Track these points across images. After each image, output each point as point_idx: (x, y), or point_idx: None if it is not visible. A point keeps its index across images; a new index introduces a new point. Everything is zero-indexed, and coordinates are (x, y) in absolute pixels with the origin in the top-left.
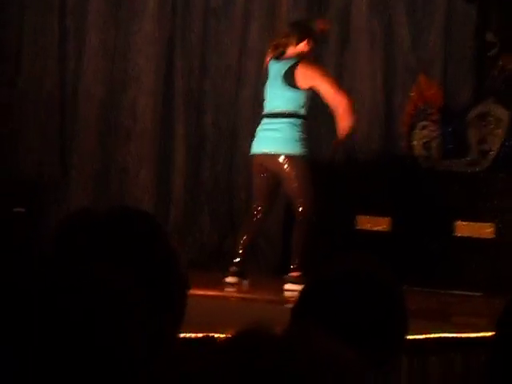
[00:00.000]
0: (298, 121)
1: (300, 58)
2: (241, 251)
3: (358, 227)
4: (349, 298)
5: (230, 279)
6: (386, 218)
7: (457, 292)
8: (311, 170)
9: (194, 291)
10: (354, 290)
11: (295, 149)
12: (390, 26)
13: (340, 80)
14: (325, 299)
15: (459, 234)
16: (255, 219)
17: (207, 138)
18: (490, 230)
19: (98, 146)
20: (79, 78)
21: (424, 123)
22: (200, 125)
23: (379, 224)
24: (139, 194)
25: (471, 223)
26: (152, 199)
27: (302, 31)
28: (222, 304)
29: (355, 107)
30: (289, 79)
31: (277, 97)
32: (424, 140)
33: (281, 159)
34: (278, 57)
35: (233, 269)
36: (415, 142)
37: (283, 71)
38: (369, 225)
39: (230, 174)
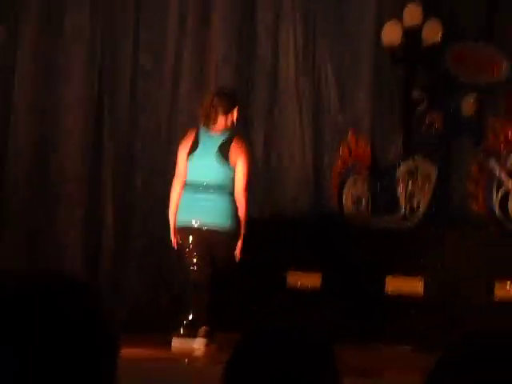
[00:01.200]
0: (231, 194)
1: (233, 133)
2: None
3: (289, 284)
4: (279, 359)
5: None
6: (317, 274)
7: (388, 347)
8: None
9: (125, 353)
10: (284, 351)
11: (232, 222)
12: (317, 85)
13: (269, 139)
14: (255, 360)
15: (389, 290)
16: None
17: (137, 199)
18: (419, 285)
19: (28, 207)
20: (7, 140)
21: (353, 179)
22: (130, 186)
23: (309, 281)
24: (69, 255)
25: (401, 279)
26: (82, 263)
27: (230, 100)
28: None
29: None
30: (224, 154)
31: (209, 169)
32: (354, 196)
33: (221, 233)
34: (208, 126)
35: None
36: (345, 199)
37: (217, 145)
38: (299, 281)
39: (161, 234)
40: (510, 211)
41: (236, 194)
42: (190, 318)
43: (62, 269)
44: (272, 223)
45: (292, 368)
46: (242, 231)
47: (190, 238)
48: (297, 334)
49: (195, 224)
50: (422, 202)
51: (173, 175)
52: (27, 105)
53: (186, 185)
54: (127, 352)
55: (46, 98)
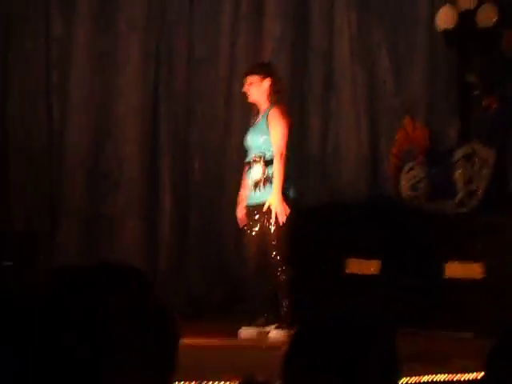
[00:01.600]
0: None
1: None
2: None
3: (348, 271)
4: (338, 345)
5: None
6: (376, 261)
7: (449, 333)
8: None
9: (186, 341)
10: (344, 337)
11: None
12: (373, 70)
13: (325, 125)
14: (315, 345)
15: (449, 276)
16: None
17: (194, 186)
18: (479, 271)
19: (85, 196)
20: (65, 129)
21: (411, 165)
22: (187, 173)
23: (369, 267)
24: (127, 244)
25: (460, 264)
26: (140, 249)
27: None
28: (215, 353)
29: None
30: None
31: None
32: (411, 181)
33: None
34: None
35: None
36: (402, 184)
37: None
38: (359, 268)
39: (218, 222)
40: None
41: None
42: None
43: (119, 259)
44: (329, 209)
45: (351, 355)
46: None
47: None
48: (355, 321)
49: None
50: (480, 186)
51: (230, 161)
52: (83, 95)
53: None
54: (193, 341)
55: (102, 86)
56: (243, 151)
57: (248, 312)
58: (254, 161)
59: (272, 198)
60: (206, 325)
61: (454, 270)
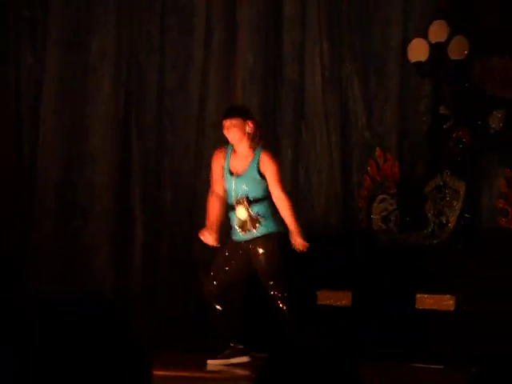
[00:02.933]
0: None
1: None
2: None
3: (319, 302)
4: (304, 373)
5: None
6: (347, 293)
7: (419, 365)
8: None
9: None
10: (311, 366)
11: None
12: (344, 101)
13: (296, 157)
14: (283, 374)
15: (420, 307)
16: None
17: (166, 216)
18: (450, 303)
19: (57, 227)
20: (36, 159)
21: (382, 197)
22: (159, 204)
23: (340, 299)
24: (100, 273)
25: (431, 296)
26: (112, 279)
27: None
28: None
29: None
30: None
31: None
32: (382, 213)
33: None
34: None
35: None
36: (373, 216)
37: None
38: (330, 300)
39: (189, 252)
40: None
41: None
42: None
43: (93, 288)
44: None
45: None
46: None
47: None
48: (322, 352)
49: None
50: (451, 218)
51: (201, 192)
52: (54, 125)
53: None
54: (163, 373)
55: (72, 118)
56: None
57: (217, 343)
58: (238, 202)
59: (295, 240)
60: (175, 355)
61: (425, 301)
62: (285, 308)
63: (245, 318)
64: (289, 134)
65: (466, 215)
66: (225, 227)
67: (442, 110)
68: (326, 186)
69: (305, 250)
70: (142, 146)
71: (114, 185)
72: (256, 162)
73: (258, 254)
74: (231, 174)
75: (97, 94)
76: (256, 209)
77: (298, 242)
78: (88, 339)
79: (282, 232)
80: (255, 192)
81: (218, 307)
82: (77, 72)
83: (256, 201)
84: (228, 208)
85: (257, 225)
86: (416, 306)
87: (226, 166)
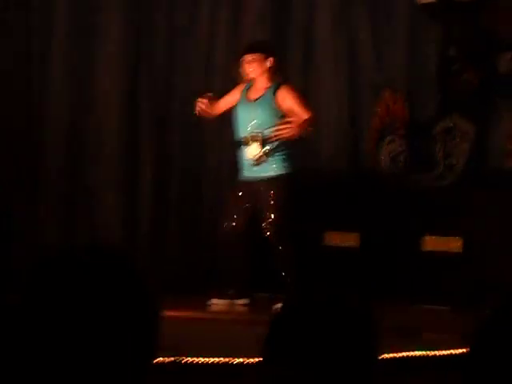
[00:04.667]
0: None
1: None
2: None
3: (326, 243)
4: (318, 325)
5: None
6: (355, 234)
7: (426, 306)
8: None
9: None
10: (323, 317)
11: None
12: (353, 42)
13: (305, 97)
14: (295, 327)
15: (427, 249)
16: None
17: (175, 158)
18: (458, 244)
19: (65, 169)
20: (45, 101)
21: (390, 138)
22: (167, 145)
23: (348, 240)
24: (107, 217)
25: (439, 237)
26: (120, 222)
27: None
28: (193, 326)
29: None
30: None
31: None
32: (391, 154)
33: None
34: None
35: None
36: (382, 157)
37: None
38: (337, 240)
39: (198, 193)
40: None
41: None
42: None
43: (100, 235)
44: (308, 182)
45: (331, 335)
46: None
47: None
48: (336, 301)
49: None
50: (460, 159)
51: (209, 137)
52: (63, 66)
53: None
54: (167, 313)
55: (82, 58)
56: (221, 125)
57: (220, 284)
58: (252, 138)
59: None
60: (182, 297)
61: (433, 243)
62: (284, 254)
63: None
64: (297, 76)
65: (476, 157)
66: (230, 169)
67: (451, 52)
68: (334, 127)
69: (286, 135)
70: (152, 87)
71: (123, 128)
72: (273, 90)
73: (267, 195)
74: (247, 100)
75: (106, 34)
76: (270, 146)
77: (296, 122)
78: (94, 289)
79: (292, 173)
80: (267, 124)
81: (234, 246)
82: (86, 11)
83: (271, 138)
84: (239, 143)
85: (271, 160)
86: (424, 248)
87: (241, 99)
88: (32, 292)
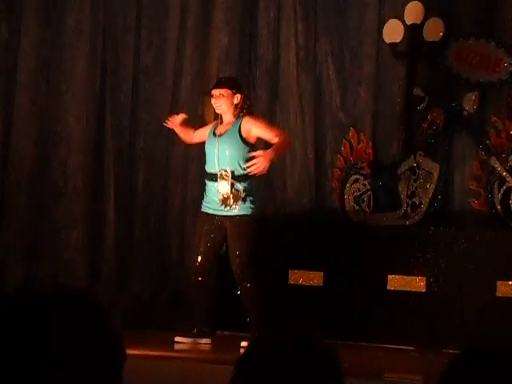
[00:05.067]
0: None
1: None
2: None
3: (291, 282)
4: (284, 367)
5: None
6: (319, 273)
7: (390, 346)
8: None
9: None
10: (289, 359)
11: None
12: (319, 82)
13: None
14: (259, 370)
15: (391, 288)
16: None
17: (139, 195)
18: (421, 284)
19: (30, 206)
20: (10, 138)
21: (355, 177)
22: (131, 182)
23: (312, 279)
24: (71, 254)
25: (403, 277)
26: (84, 259)
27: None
28: (159, 364)
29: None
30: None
31: None
32: (355, 194)
33: None
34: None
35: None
36: (346, 196)
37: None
38: (302, 279)
39: (162, 231)
40: (510, 209)
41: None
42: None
43: (65, 275)
44: (274, 221)
45: (297, 376)
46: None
47: None
48: (302, 341)
49: None
50: (424, 199)
51: (173, 173)
52: (29, 103)
53: None
54: (131, 351)
55: (47, 95)
56: (186, 161)
57: (187, 321)
58: (221, 176)
59: (265, 153)
60: (146, 334)
61: (397, 282)
62: (250, 292)
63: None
64: (263, 114)
65: (440, 197)
66: (194, 204)
67: (417, 92)
68: (299, 165)
69: (259, 170)
70: (116, 124)
71: (88, 164)
72: (238, 124)
73: (234, 233)
74: (214, 135)
75: (72, 71)
76: (239, 186)
77: (266, 155)
78: (56, 330)
79: (259, 214)
80: (238, 160)
81: (201, 283)
82: (52, 49)
83: (240, 177)
84: (207, 177)
85: (239, 202)
86: (388, 287)
87: (210, 133)
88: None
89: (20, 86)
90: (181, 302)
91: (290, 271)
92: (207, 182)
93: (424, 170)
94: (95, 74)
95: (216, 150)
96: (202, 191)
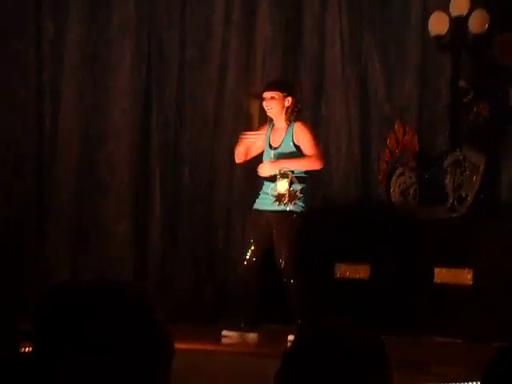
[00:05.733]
0: None
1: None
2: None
3: (337, 275)
4: (333, 365)
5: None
6: (365, 266)
7: (437, 339)
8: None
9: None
10: (334, 354)
11: None
12: (364, 74)
13: (316, 130)
14: (308, 365)
15: (438, 281)
16: None
17: (184, 189)
18: (468, 277)
19: (76, 202)
20: (56, 135)
21: (401, 170)
22: (177, 177)
23: (358, 272)
24: (118, 249)
25: (450, 269)
26: (131, 254)
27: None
28: (207, 359)
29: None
30: None
31: None
32: (401, 187)
33: None
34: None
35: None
36: (392, 189)
37: None
38: (348, 272)
39: (208, 224)
40: None
41: None
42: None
43: (112, 270)
44: (320, 214)
45: (345, 370)
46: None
47: None
48: (349, 335)
49: None
50: (470, 192)
51: (219, 167)
52: (75, 99)
53: None
54: (178, 346)
55: (93, 91)
56: (232, 154)
57: (232, 315)
58: (281, 175)
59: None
60: (192, 328)
61: (444, 275)
62: (295, 288)
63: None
64: (308, 107)
65: (486, 189)
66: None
67: (462, 84)
68: (345, 159)
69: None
70: (162, 119)
71: (134, 159)
72: (290, 133)
73: (281, 229)
74: (270, 147)
75: (118, 67)
76: (298, 186)
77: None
78: (104, 325)
79: (307, 209)
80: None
81: (250, 277)
82: (98, 46)
83: (299, 178)
84: (264, 178)
85: (294, 201)
86: (435, 280)
87: (267, 139)
88: (43, 327)
89: (66, 83)
90: (226, 296)
91: (336, 264)
92: (264, 181)
93: (470, 162)
94: (141, 70)
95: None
96: (247, 184)
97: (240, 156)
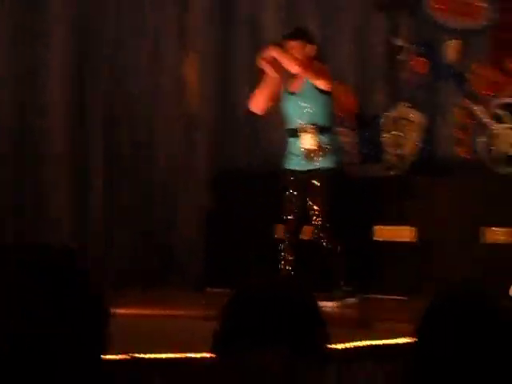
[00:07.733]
0: None
1: None
2: None
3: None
4: (268, 314)
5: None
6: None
7: (379, 296)
8: None
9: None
10: (273, 305)
11: None
12: None
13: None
14: (245, 315)
15: (379, 239)
16: None
17: (124, 157)
18: (410, 234)
19: (15, 172)
20: None
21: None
22: (118, 147)
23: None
24: (57, 215)
25: (391, 227)
26: (70, 220)
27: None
28: (147, 322)
29: None
30: None
31: None
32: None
33: None
34: None
35: None
36: None
37: None
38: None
39: (149, 191)
40: (494, 155)
41: None
42: None
43: (50, 233)
44: (260, 175)
45: (278, 321)
46: None
47: None
48: (283, 288)
49: None
50: (409, 149)
51: (159, 131)
52: (8, 71)
53: None
54: (122, 310)
55: (26, 61)
56: (173, 118)
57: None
58: (303, 129)
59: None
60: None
61: (384, 233)
62: (332, 253)
63: None
64: (245, 74)
65: (424, 146)
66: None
67: (398, 42)
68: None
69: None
70: (98, 88)
71: (72, 128)
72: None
73: (315, 187)
74: (291, 93)
75: (51, 37)
76: (323, 138)
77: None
78: (40, 287)
79: (340, 168)
80: (320, 113)
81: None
82: (30, 15)
83: (323, 129)
84: (288, 133)
85: (323, 155)
86: (375, 238)
87: (285, 90)
88: None
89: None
90: (170, 260)
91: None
92: (289, 138)
93: (408, 119)
94: (74, 38)
95: (296, 108)
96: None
97: (260, 102)
